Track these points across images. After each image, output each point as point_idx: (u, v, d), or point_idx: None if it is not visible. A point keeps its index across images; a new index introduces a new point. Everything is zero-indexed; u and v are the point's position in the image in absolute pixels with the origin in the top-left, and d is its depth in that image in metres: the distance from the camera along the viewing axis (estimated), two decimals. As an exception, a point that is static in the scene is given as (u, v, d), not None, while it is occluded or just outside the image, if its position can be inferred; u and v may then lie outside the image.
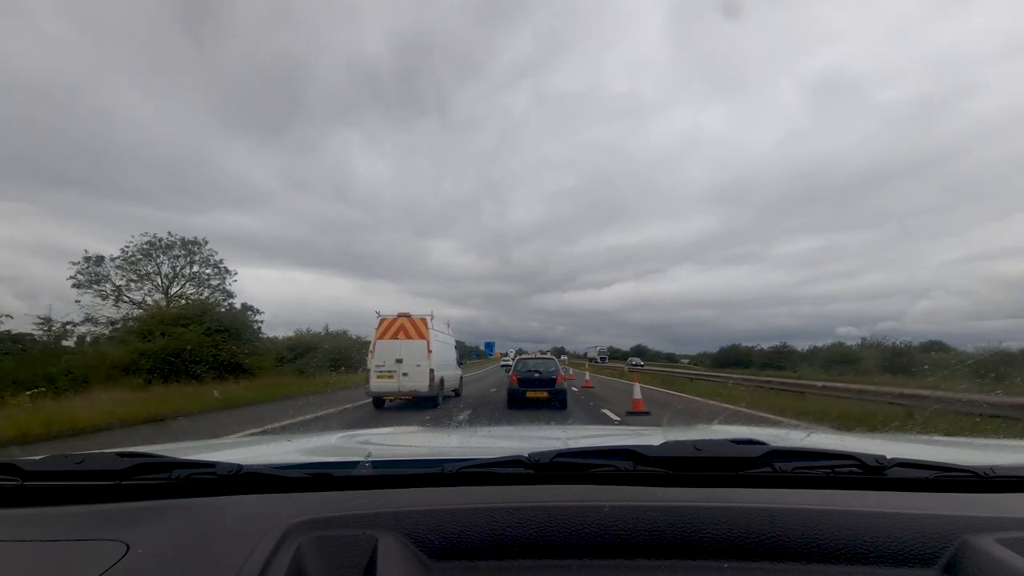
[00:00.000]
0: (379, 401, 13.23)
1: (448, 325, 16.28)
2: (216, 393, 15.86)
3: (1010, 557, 0.72)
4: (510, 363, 14.83)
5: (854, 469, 0.95)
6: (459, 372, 16.75)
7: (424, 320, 13.17)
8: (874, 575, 0.74)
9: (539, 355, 16.84)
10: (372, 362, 12.82)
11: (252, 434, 7.80)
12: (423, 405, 12.71)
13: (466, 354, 20.03)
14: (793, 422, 8.78)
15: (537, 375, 12.69)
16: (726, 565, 0.75)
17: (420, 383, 12.53)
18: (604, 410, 12.34)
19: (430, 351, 12.73)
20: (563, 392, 12.66)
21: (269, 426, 9.48)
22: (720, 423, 3.30)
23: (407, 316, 13.16)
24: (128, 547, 0.74)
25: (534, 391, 12.42)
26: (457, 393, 16.07)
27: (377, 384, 12.67)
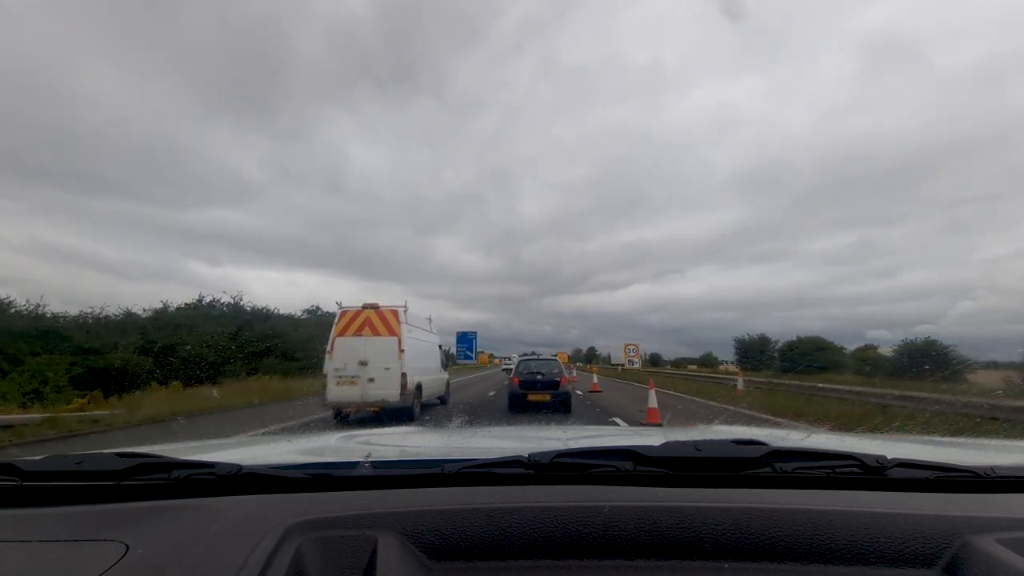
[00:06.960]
0: (343, 414, 10.79)
1: (430, 320, 13.82)
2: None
3: (1011, 557, 0.72)
4: (512, 368, 14.07)
5: (854, 469, 0.95)
6: (444, 376, 14.23)
7: (395, 312, 10.70)
8: (875, 575, 0.74)
9: (554, 356, 16.34)
10: (330, 365, 10.34)
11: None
12: (394, 418, 10.22)
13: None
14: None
15: (539, 377, 11.97)
16: (726, 565, 0.75)
17: (389, 391, 10.14)
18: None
19: (402, 350, 10.35)
20: (567, 395, 11.95)
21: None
22: (720, 423, 3.30)
23: (374, 308, 10.69)
24: (128, 547, 0.74)
25: (536, 394, 11.75)
26: (443, 401, 13.89)
27: (336, 392, 10.24)
